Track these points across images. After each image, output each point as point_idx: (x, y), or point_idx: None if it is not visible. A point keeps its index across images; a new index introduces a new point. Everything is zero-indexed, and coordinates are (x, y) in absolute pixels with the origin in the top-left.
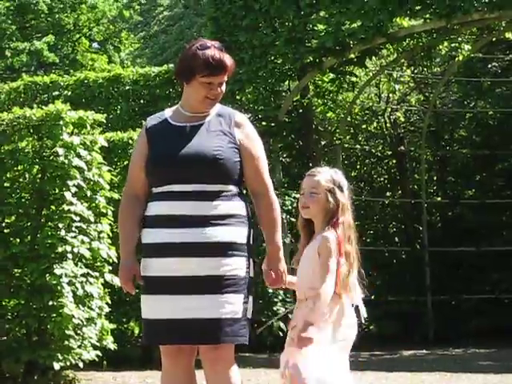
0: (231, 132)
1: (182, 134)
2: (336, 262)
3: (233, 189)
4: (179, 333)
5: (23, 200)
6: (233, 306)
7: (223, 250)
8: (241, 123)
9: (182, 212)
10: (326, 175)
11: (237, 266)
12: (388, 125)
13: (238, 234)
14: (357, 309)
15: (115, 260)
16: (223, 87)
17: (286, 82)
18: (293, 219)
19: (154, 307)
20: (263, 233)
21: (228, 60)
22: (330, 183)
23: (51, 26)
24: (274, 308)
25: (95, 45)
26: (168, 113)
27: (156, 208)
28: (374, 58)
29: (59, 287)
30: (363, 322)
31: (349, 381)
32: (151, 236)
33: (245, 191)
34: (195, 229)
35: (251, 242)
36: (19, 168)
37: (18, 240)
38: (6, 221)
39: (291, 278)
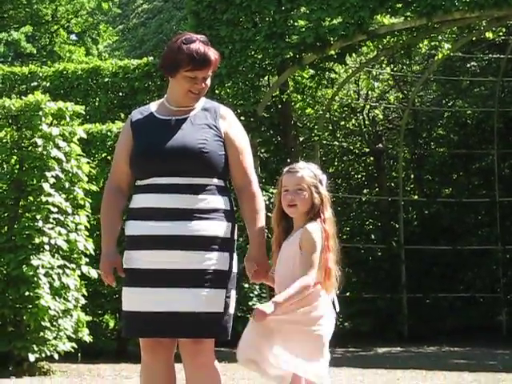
0: (216, 125)
1: (167, 128)
2: (320, 256)
3: (218, 182)
4: (160, 326)
5: (1, 190)
6: (215, 300)
7: (207, 243)
8: (226, 117)
9: (166, 205)
10: (307, 171)
11: (220, 261)
12: (366, 122)
13: (221, 228)
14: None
15: (92, 252)
16: (208, 82)
17: (266, 77)
18: (270, 214)
19: (136, 300)
20: (246, 226)
21: (213, 54)
22: (313, 178)
23: (29, 17)
24: (250, 303)
25: (73, 36)
26: (153, 106)
27: (140, 200)
28: (353, 54)
29: (36, 278)
30: (335, 316)
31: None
32: (135, 228)
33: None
34: (179, 222)
35: (235, 237)
36: None
37: None
38: None
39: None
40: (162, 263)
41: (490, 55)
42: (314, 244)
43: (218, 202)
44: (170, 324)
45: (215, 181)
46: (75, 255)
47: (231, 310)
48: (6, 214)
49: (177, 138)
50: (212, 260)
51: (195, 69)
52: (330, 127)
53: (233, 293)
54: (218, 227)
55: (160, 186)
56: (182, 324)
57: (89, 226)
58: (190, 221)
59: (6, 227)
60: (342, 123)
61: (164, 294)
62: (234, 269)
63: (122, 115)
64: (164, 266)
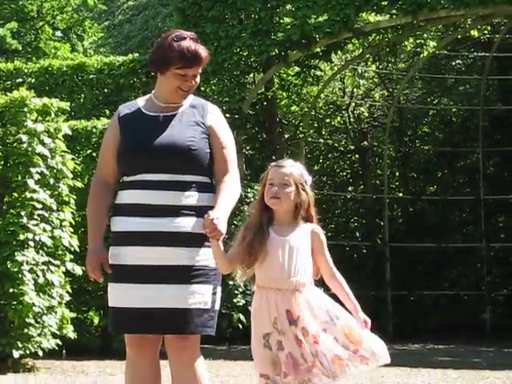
0: (204, 122)
1: (156, 124)
2: None
3: (204, 180)
4: (147, 322)
5: None
6: (202, 296)
7: (194, 240)
8: (213, 113)
9: (153, 201)
10: (295, 169)
11: (207, 257)
12: (352, 120)
13: None
14: None
15: (77, 249)
16: (197, 79)
17: (251, 75)
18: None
19: (122, 296)
20: (216, 194)
21: (203, 51)
22: (301, 176)
23: (14, 13)
24: (235, 300)
25: (58, 33)
26: (141, 102)
27: (128, 196)
28: (339, 52)
29: (20, 275)
30: None
31: None
32: (122, 224)
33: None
34: (166, 218)
35: None
36: None
37: None
38: None
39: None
40: (149, 259)
41: (475, 53)
42: (324, 243)
43: (205, 198)
44: (157, 320)
45: (201, 178)
46: (60, 252)
47: (217, 306)
48: None
49: (165, 136)
50: (198, 256)
51: (186, 66)
52: (316, 125)
53: (219, 289)
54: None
55: (147, 183)
56: (169, 320)
57: (73, 223)
58: (176, 217)
59: None
60: (328, 121)
61: (151, 290)
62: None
63: (108, 112)
64: (151, 262)
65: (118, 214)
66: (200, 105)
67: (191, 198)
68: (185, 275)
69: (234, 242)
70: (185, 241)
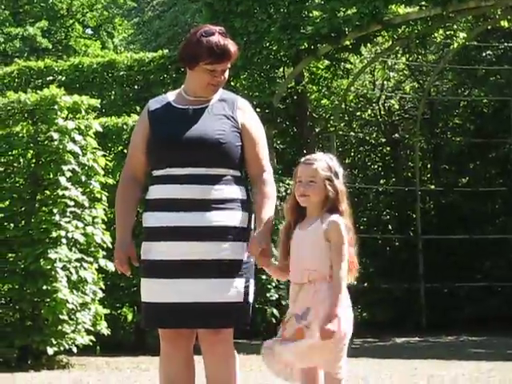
0: (234, 116)
1: (185, 117)
2: (346, 248)
3: (234, 173)
4: (180, 316)
5: (17, 185)
6: (234, 290)
7: (224, 234)
8: (244, 108)
9: (183, 195)
10: (322, 163)
11: (238, 251)
12: (382, 112)
13: (239, 217)
14: None
15: (109, 245)
16: (226, 73)
17: (281, 69)
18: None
19: (155, 291)
20: (255, 211)
21: (232, 46)
22: (328, 171)
23: (44, 12)
24: (268, 294)
25: (88, 30)
26: (171, 96)
27: (157, 191)
28: (368, 45)
29: (53, 272)
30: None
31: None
32: (152, 220)
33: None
34: (197, 213)
35: (252, 227)
36: (14, 153)
37: (12, 225)
38: (1, 205)
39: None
40: (181, 254)
41: (506, 44)
42: (342, 236)
43: (235, 192)
44: (190, 314)
45: (231, 171)
46: (92, 248)
47: (250, 299)
48: (22, 208)
49: (194, 128)
50: (229, 250)
51: (215, 62)
52: (346, 118)
53: (251, 282)
54: (234, 217)
55: (176, 177)
56: (202, 314)
57: (106, 219)
58: (206, 211)
59: (23, 221)
60: (358, 114)
61: (183, 285)
62: (252, 258)
63: (138, 108)
64: (182, 257)
65: (149, 210)
66: (230, 99)
67: (221, 191)
68: (216, 269)
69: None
70: (215, 235)
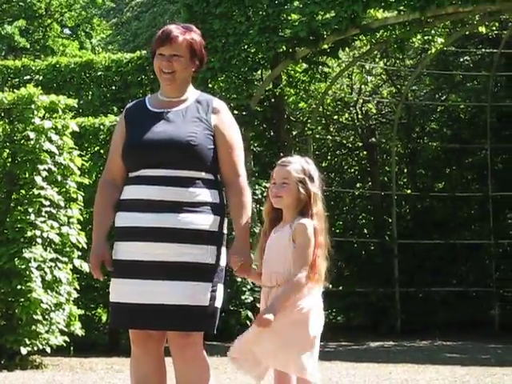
0: (207, 119)
1: (159, 120)
2: (312, 252)
3: (206, 176)
4: (147, 318)
5: None
6: (201, 293)
7: (194, 236)
8: (218, 110)
9: (154, 197)
10: (296, 165)
11: (207, 254)
12: (360, 116)
13: (210, 221)
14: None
15: (84, 246)
16: (179, 63)
17: (259, 71)
18: (262, 208)
19: (123, 291)
20: (232, 220)
21: (181, 34)
22: (301, 173)
23: (23, 11)
24: (243, 297)
25: (67, 30)
26: (148, 99)
27: (130, 192)
28: (346, 48)
29: (28, 272)
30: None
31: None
32: (124, 220)
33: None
34: (167, 214)
35: (224, 231)
36: None
37: None
38: None
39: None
40: (150, 255)
41: (483, 50)
42: (308, 239)
43: (207, 195)
44: (156, 316)
45: (204, 174)
46: (67, 249)
47: (218, 304)
48: None
49: (166, 131)
50: (198, 253)
51: (160, 45)
52: (323, 121)
53: (219, 286)
54: (205, 220)
55: (149, 178)
56: (168, 317)
57: (81, 220)
58: (177, 213)
59: None
60: (335, 117)
61: (150, 286)
62: (222, 262)
63: (115, 109)
64: (151, 258)
65: (121, 210)
66: (205, 100)
67: (193, 194)
68: (185, 272)
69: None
70: (185, 237)
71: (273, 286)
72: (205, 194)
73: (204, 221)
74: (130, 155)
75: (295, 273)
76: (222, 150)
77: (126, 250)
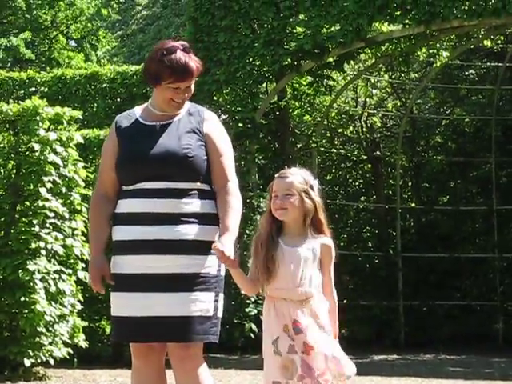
0: (200, 129)
1: (153, 133)
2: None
3: (203, 186)
4: (148, 330)
5: None
6: (203, 304)
7: (194, 247)
8: (209, 120)
9: (152, 210)
10: (297, 177)
11: (208, 264)
12: (364, 129)
13: (208, 232)
14: None
15: (88, 258)
16: (191, 89)
17: (264, 84)
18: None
19: (124, 304)
20: (220, 220)
21: (194, 63)
22: (304, 184)
23: (28, 23)
24: (247, 310)
25: (72, 42)
26: (138, 111)
27: (127, 205)
28: (352, 62)
29: (32, 283)
30: None
31: None
32: (121, 233)
33: None
34: (166, 226)
35: None
36: None
37: None
38: None
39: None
40: (150, 268)
41: (488, 63)
42: (332, 259)
43: (204, 206)
44: (158, 328)
45: (200, 185)
46: (71, 260)
47: (219, 314)
48: (2, 219)
49: (161, 144)
50: (199, 264)
51: (177, 81)
52: (328, 134)
53: (221, 296)
54: (204, 231)
55: (146, 191)
56: (170, 328)
57: (85, 231)
58: (176, 225)
59: (2, 232)
60: (340, 130)
61: (152, 299)
62: (222, 272)
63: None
64: (151, 271)
65: (118, 224)
66: (196, 111)
67: (190, 205)
68: (185, 283)
69: (250, 260)
70: (184, 249)
71: (301, 299)
72: (202, 205)
73: (202, 231)
74: (124, 169)
75: (331, 291)
76: (213, 156)
77: (126, 264)
